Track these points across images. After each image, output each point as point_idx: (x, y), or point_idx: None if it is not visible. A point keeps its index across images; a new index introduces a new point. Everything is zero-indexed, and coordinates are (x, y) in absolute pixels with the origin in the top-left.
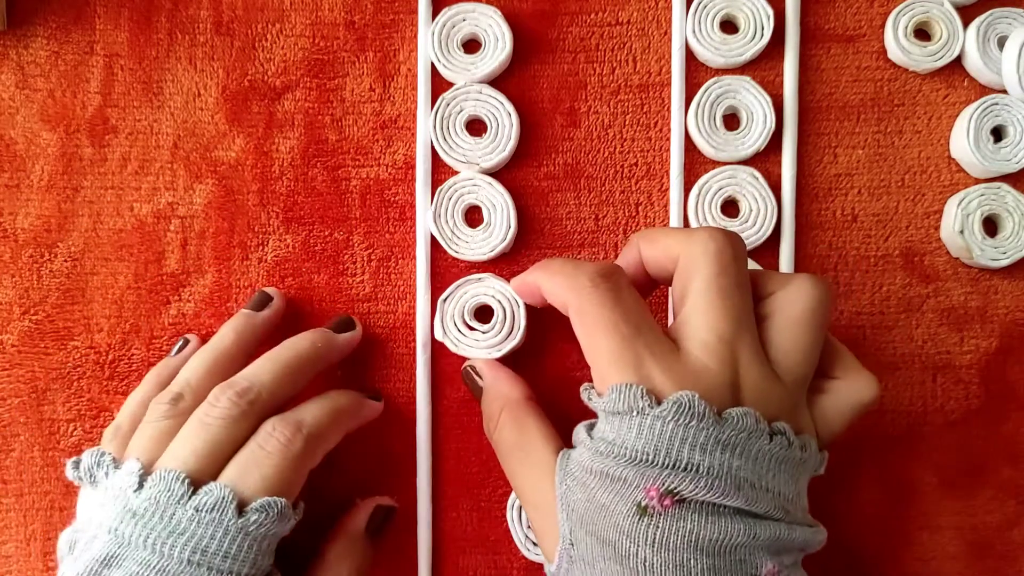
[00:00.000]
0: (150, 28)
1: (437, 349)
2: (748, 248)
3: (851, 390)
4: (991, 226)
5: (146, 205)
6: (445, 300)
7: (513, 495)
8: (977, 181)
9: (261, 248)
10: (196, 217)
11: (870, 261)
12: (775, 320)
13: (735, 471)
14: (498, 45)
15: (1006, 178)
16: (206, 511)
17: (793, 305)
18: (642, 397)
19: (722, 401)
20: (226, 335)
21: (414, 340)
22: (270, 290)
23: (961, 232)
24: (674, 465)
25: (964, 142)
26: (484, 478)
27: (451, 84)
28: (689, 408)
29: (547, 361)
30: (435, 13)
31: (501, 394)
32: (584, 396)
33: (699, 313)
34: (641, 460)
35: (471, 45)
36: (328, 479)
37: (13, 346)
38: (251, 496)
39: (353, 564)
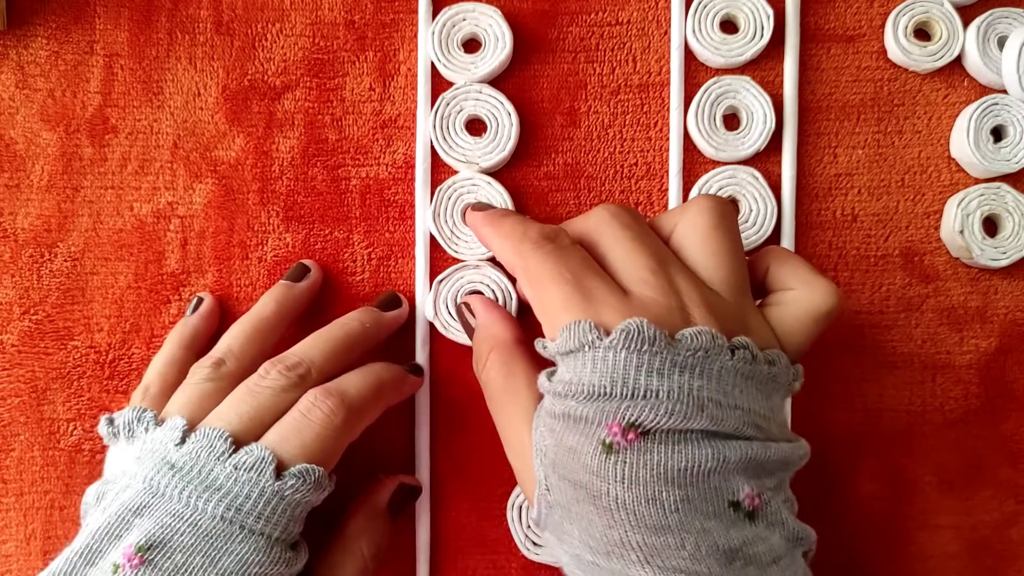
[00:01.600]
0: (150, 28)
1: (437, 348)
2: (748, 248)
3: (807, 298)
4: (991, 226)
5: (146, 205)
6: (441, 281)
7: (513, 495)
8: (977, 181)
9: (261, 247)
10: (196, 217)
11: (870, 261)
12: (685, 244)
13: (696, 391)
14: (498, 45)
15: (1006, 178)
16: (244, 470)
17: (696, 227)
18: (591, 330)
19: (672, 325)
20: (267, 304)
21: (414, 340)
22: (307, 262)
23: (961, 232)
24: (632, 395)
25: (964, 142)
26: (484, 478)
27: (451, 84)
28: (639, 334)
29: (546, 360)
30: (435, 13)
31: (491, 334)
32: (539, 347)
33: (623, 261)
34: (599, 395)
35: (471, 45)
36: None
37: (13, 346)
38: (290, 461)
39: (372, 540)
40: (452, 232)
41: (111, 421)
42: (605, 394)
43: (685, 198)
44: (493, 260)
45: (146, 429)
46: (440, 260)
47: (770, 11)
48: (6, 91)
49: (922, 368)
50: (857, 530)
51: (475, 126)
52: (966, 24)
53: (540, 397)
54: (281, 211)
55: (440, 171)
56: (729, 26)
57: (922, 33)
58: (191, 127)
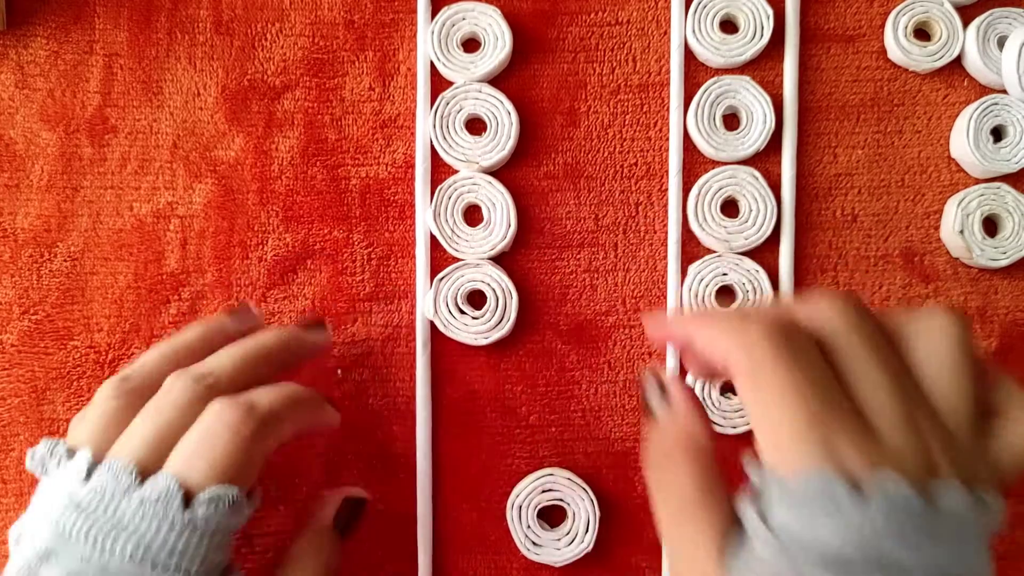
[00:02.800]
0: (150, 28)
1: (437, 349)
2: (748, 248)
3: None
4: (991, 226)
5: (146, 205)
6: (442, 279)
7: (513, 495)
8: (977, 181)
9: (261, 247)
10: (196, 216)
11: (870, 261)
12: (927, 371)
13: (946, 568)
14: (498, 44)
15: (1006, 178)
16: (150, 503)
17: (942, 355)
18: (838, 484)
19: (921, 478)
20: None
21: (414, 340)
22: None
23: (961, 232)
24: (878, 567)
25: (964, 142)
26: (484, 478)
27: (451, 83)
28: (897, 496)
29: (545, 360)
30: (435, 12)
31: (690, 433)
32: (750, 470)
33: (872, 392)
34: (839, 562)
35: (471, 44)
36: (327, 479)
37: (13, 346)
38: (199, 485)
39: (319, 561)
40: (452, 231)
41: (33, 455)
42: (847, 562)
43: (685, 198)
44: (493, 259)
45: (58, 464)
46: (440, 260)
47: (770, 11)
48: (6, 91)
49: None
50: None
51: (475, 125)
52: (966, 24)
53: (727, 519)
54: (281, 211)
55: (440, 170)
56: (729, 26)
57: (922, 33)
58: (191, 127)
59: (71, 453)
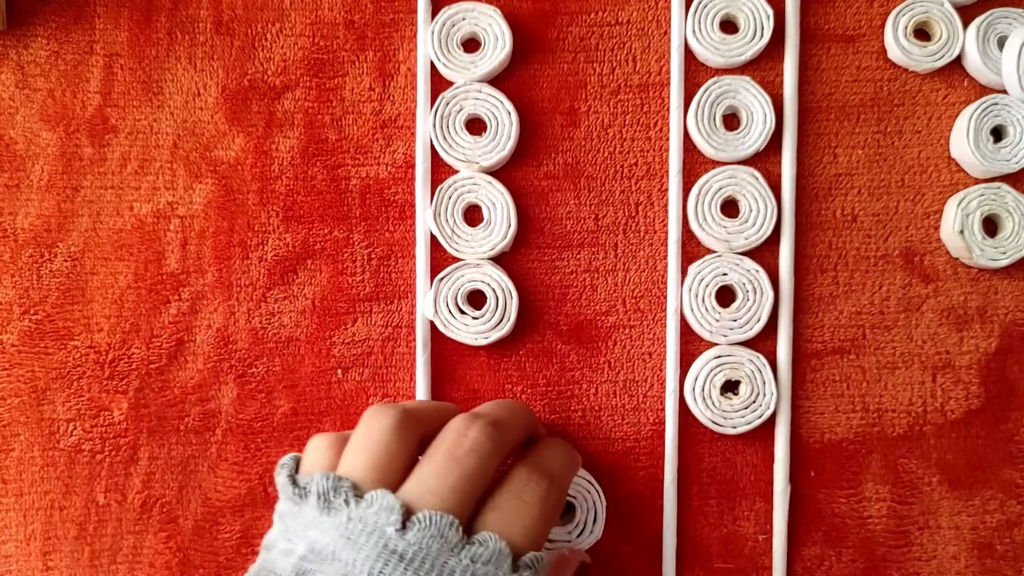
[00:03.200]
0: (150, 28)
1: (437, 349)
2: (748, 248)
3: None
4: (991, 226)
5: (146, 205)
6: (442, 279)
7: None
8: (977, 181)
9: (261, 247)
10: (196, 216)
11: (870, 261)
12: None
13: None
14: (498, 44)
15: (1006, 178)
16: (481, 563)
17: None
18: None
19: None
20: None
21: (414, 340)
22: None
23: (961, 232)
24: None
25: (964, 142)
26: None
27: (451, 83)
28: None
29: (545, 360)
30: (435, 12)
31: None
32: None
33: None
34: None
35: (471, 44)
36: None
37: (13, 346)
38: (520, 550)
39: None
40: (453, 231)
41: (294, 481)
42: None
43: (685, 198)
44: (494, 259)
45: (346, 502)
46: (440, 260)
47: (770, 11)
48: (6, 91)
49: (922, 368)
50: (858, 530)
51: (475, 125)
52: (966, 24)
53: None
54: (281, 211)
55: (440, 170)
56: (729, 26)
57: (922, 33)
58: (191, 127)
59: (357, 489)
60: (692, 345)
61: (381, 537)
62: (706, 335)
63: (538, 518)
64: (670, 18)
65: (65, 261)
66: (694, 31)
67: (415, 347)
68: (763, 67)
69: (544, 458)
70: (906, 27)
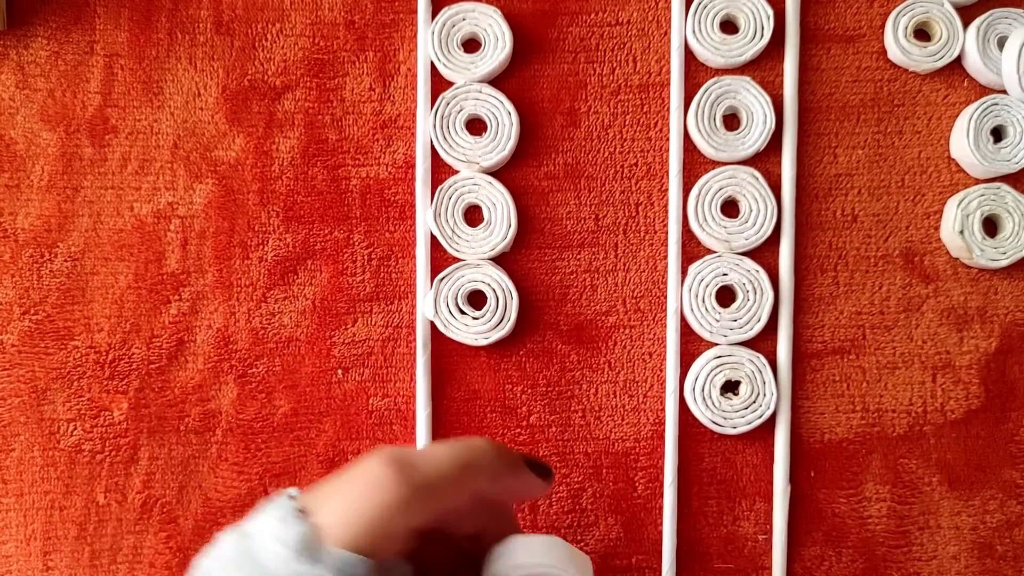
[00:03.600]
0: (150, 28)
1: (437, 349)
2: (748, 248)
3: None
4: (991, 226)
5: (146, 205)
6: (442, 280)
7: None
8: (977, 181)
9: (261, 247)
10: (196, 217)
11: (870, 261)
12: None
13: None
14: (498, 45)
15: (1006, 178)
16: None
17: None
18: None
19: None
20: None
21: (414, 340)
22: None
23: (961, 232)
24: None
25: (964, 142)
26: None
27: (451, 83)
28: None
29: (545, 360)
30: (435, 13)
31: None
32: None
33: None
34: None
35: (471, 45)
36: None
37: (13, 346)
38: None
39: None
40: (453, 231)
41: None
42: None
43: (685, 198)
44: (494, 259)
45: None
46: (440, 260)
47: (770, 11)
48: (6, 91)
49: (922, 368)
50: (859, 530)
51: (475, 126)
52: (966, 24)
53: None
54: (281, 211)
55: (440, 171)
56: (729, 26)
57: (922, 33)
58: (191, 127)
59: None
60: (692, 345)
61: None
62: (706, 335)
63: None
64: (670, 18)
65: (65, 261)
66: (694, 31)
67: (415, 347)
68: (763, 67)
69: None
70: (906, 27)
